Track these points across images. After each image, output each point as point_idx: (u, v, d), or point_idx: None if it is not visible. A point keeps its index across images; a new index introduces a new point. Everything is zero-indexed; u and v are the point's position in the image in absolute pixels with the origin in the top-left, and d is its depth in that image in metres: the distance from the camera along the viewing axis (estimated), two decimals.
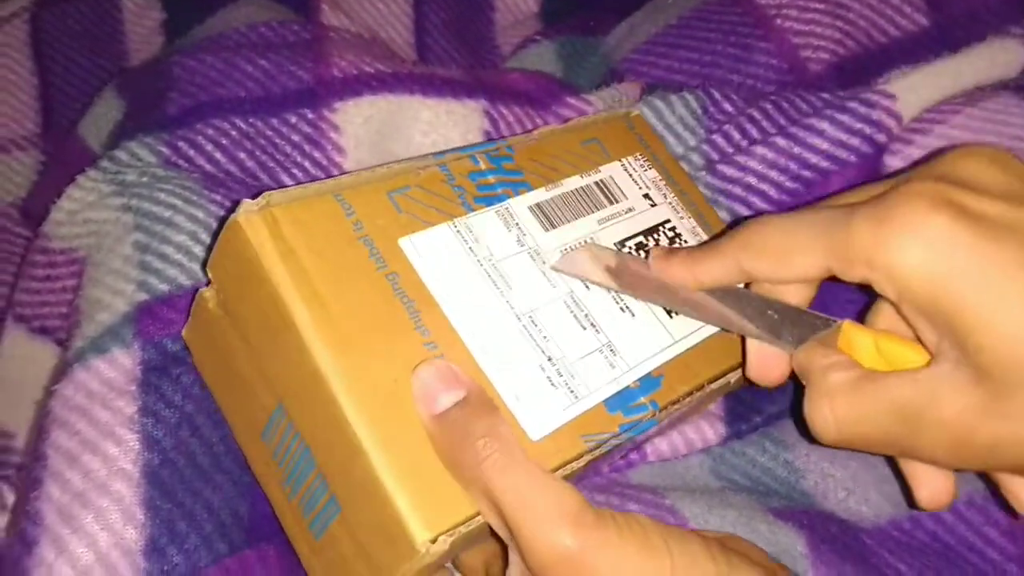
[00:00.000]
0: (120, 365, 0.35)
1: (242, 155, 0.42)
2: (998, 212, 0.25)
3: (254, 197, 0.29)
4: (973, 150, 0.27)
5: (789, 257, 0.28)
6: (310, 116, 0.43)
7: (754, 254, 0.30)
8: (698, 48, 0.49)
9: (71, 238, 0.41)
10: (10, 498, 0.43)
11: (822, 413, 0.27)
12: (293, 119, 0.43)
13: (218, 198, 0.39)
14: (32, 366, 0.45)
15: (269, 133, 0.42)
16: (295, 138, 0.42)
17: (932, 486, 0.29)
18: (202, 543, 0.33)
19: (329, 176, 0.39)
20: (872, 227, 0.26)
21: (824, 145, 0.41)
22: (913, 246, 0.25)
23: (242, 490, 0.35)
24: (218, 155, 0.42)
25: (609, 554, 0.24)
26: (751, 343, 0.32)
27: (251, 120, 0.42)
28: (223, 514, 0.34)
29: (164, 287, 0.36)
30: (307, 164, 0.42)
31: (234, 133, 0.42)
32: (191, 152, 0.42)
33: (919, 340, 0.27)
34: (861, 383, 0.27)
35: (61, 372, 0.36)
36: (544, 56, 0.57)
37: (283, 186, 0.36)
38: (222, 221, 0.34)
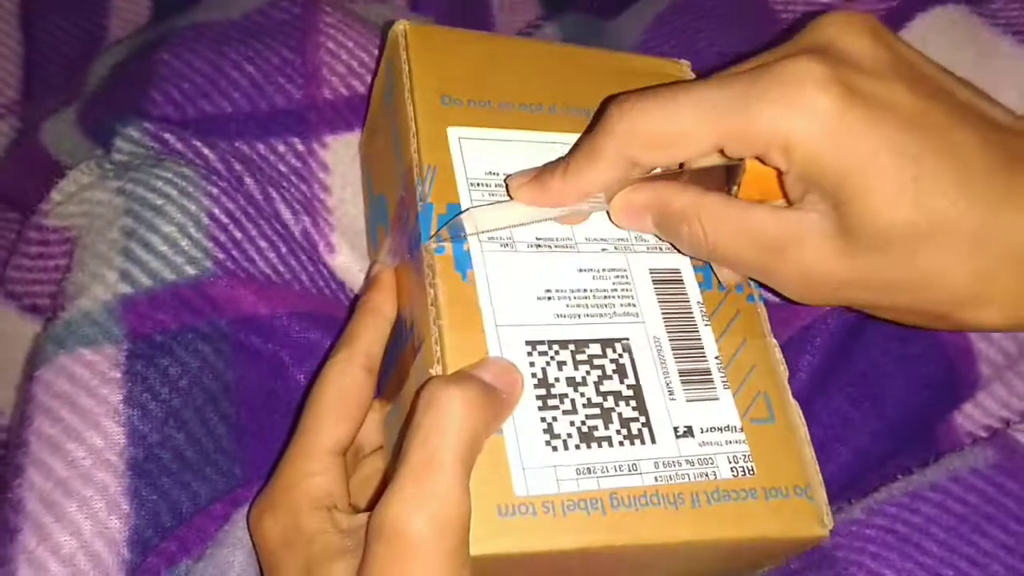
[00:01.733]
0: (104, 353, 0.34)
1: (227, 169, 0.41)
2: (879, 91, 0.27)
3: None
4: (849, 21, 0.29)
5: (680, 144, 0.29)
6: (299, 148, 0.42)
7: (640, 148, 0.29)
8: (711, 27, 0.48)
9: (66, 216, 0.40)
10: None
11: (695, 228, 0.30)
12: (281, 148, 0.41)
13: (214, 191, 0.39)
14: (22, 344, 0.44)
15: (255, 158, 0.41)
16: (282, 168, 0.41)
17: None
18: None
19: (312, 208, 0.41)
20: (768, 110, 0.27)
21: None
22: (807, 126, 0.27)
23: (231, 484, 0.35)
24: (208, 158, 0.41)
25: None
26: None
27: (237, 144, 0.41)
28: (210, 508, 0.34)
29: (147, 281, 0.36)
30: (293, 191, 0.41)
31: (223, 146, 0.41)
32: (179, 146, 0.41)
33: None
34: (733, 205, 0.30)
35: (42, 356, 0.35)
36: (550, 40, 0.56)
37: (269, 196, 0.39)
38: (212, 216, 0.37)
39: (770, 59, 0.29)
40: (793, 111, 0.27)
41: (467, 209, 0.31)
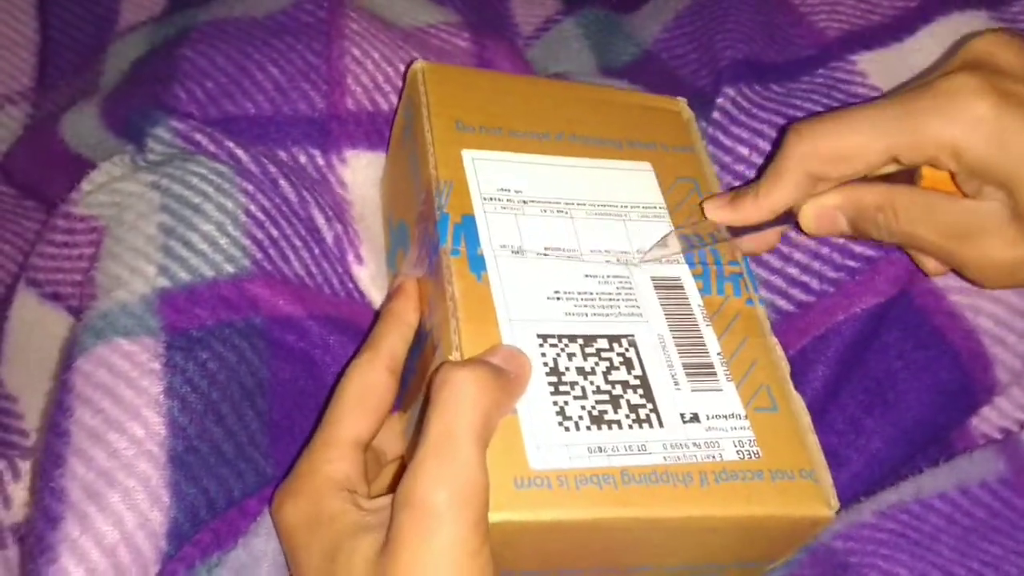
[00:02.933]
0: (142, 343, 0.35)
1: (261, 171, 0.42)
2: None
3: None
4: (998, 38, 0.33)
5: (856, 156, 0.34)
6: (319, 161, 0.43)
7: (821, 164, 0.34)
8: (729, 28, 0.49)
9: (95, 206, 0.41)
10: (22, 467, 0.43)
11: (890, 216, 0.34)
12: (303, 158, 0.43)
13: (250, 188, 0.39)
14: (41, 331, 0.44)
15: (287, 161, 0.42)
16: (303, 175, 0.42)
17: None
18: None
19: (344, 217, 0.42)
20: (934, 121, 0.32)
21: None
22: (970, 132, 0.31)
23: (263, 480, 0.35)
24: (241, 159, 0.41)
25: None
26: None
27: (258, 148, 0.42)
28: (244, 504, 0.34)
29: (186, 276, 0.36)
30: (327, 196, 0.42)
31: (254, 149, 0.41)
32: (212, 148, 0.41)
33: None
34: (922, 194, 0.34)
35: (79, 346, 0.35)
36: (569, 37, 0.57)
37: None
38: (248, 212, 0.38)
39: (931, 78, 0.33)
40: (956, 120, 0.31)
41: (668, 233, 0.36)
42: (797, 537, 0.32)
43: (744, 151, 0.44)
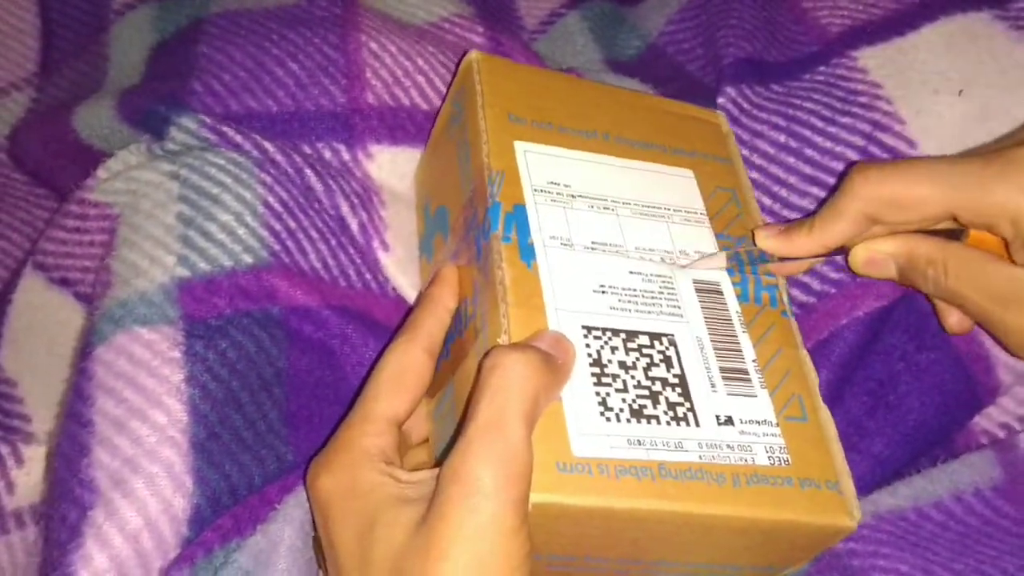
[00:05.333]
0: (161, 332, 0.35)
1: (287, 161, 0.42)
2: None
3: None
4: None
5: (916, 208, 0.34)
6: (345, 156, 0.43)
7: (880, 208, 0.35)
8: (731, 24, 0.49)
9: (110, 193, 0.41)
10: (25, 452, 0.43)
11: (939, 271, 0.35)
12: (327, 153, 0.43)
13: (268, 179, 0.40)
14: (46, 315, 0.44)
15: (304, 153, 0.42)
16: (327, 167, 0.43)
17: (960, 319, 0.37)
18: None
19: (370, 204, 0.42)
20: (1001, 189, 0.33)
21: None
22: None
23: (282, 468, 0.36)
24: (268, 149, 0.42)
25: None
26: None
27: (281, 143, 0.42)
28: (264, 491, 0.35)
29: (206, 266, 0.37)
30: (354, 184, 0.43)
31: (279, 141, 0.42)
32: (238, 138, 0.41)
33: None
34: (975, 255, 0.35)
35: (97, 334, 0.36)
36: (574, 31, 0.57)
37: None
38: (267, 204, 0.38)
39: (1006, 143, 0.35)
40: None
41: (717, 253, 0.36)
42: (817, 545, 0.33)
43: (744, 152, 0.44)
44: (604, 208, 0.36)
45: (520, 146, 0.36)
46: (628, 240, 0.35)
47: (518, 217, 0.34)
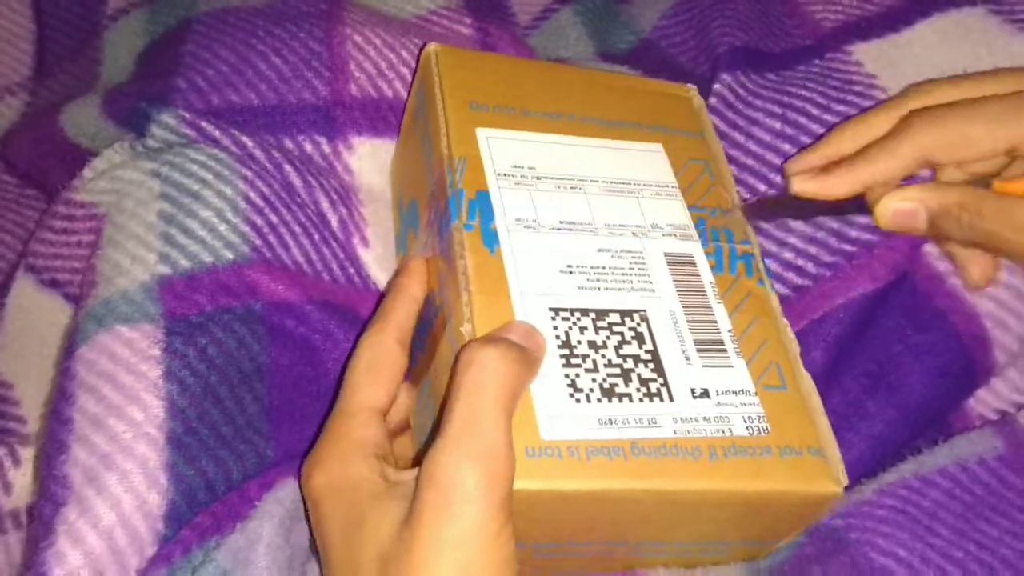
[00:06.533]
0: (142, 330, 0.35)
1: (267, 157, 0.42)
2: None
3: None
4: None
5: (974, 146, 0.35)
6: (326, 149, 0.43)
7: (939, 148, 0.36)
8: (726, 18, 0.49)
9: (95, 192, 0.41)
10: (22, 453, 0.43)
11: (973, 215, 0.35)
12: (308, 146, 0.43)
13: (249, 175, 0.39)
14: (38, 317, 0.44)
15: (292, 148, 0.42)
16: (309, 162, 0.42)
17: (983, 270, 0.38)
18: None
19: (349, 200, 0.42)
20: None
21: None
22: None
23: (263, 464, 0.36)
24: (246, 145, 0.42)
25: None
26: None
27: (265, 136, 0.42)
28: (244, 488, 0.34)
29: (187, 263, 0.37)
30: (333, 181, 0.42)
31: (258, 136, 0.42)
32: (216, 134, 0.41)
33: None
34: (1007, 198, 0.35)
35: (81, 334, 0.36)
36: (567, 25, 0.57)
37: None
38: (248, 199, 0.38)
39: None
40: None
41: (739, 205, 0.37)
42: (805, 514, 0.32)
43: (740, 138, 0.44)
44: (571, 188, 0.36)
45: (482, 132, 0.36)
46: (597, 218, 0.35)
47: (481, 203, 0.33)
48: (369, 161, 0.43)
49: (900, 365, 0.38)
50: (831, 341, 0.39)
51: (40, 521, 0.32)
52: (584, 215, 0.35)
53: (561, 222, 0.34)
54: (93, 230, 0.41)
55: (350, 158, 0.43)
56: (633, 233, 0.35)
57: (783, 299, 0.40)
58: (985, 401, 0.39)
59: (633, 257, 0.34)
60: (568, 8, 0.58)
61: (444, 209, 0.34)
